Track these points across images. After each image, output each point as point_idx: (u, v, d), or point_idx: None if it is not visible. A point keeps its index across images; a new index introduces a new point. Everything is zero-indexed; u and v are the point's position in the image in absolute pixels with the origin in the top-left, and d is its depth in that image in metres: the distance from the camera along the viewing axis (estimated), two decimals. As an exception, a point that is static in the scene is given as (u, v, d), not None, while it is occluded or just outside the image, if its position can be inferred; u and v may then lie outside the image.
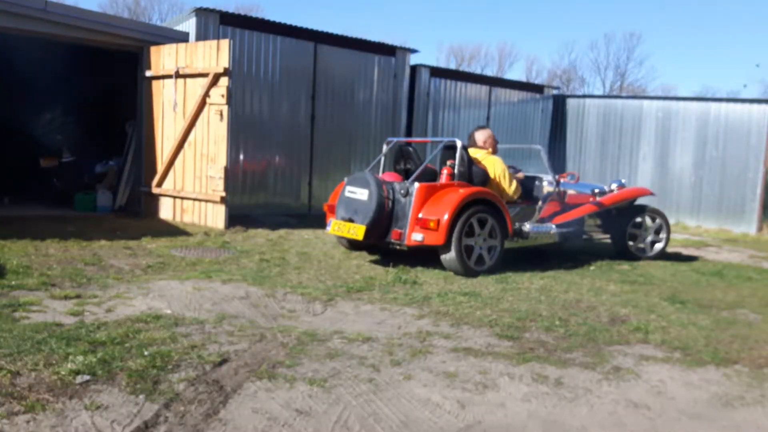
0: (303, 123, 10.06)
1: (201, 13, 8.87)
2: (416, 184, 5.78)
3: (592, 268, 6.58)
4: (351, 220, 5.88)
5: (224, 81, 7.73)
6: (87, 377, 2.84)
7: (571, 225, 6.86)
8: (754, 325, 4.57)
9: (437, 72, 12.12)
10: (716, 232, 11.12)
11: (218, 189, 7.83)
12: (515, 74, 48.06)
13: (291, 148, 9.99)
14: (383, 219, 5.79)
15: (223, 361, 3.18)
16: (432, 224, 5.56)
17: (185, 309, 4.17)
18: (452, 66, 41.87)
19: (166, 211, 8.51)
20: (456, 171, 6.09)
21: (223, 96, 7.75)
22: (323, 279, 5.41)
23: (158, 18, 37.12)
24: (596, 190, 7.43)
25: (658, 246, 7.50)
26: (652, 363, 3.58)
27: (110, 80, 10.39)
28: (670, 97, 13.50)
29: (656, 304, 5.04)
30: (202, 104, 7.95)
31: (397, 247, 5.93)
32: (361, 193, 5.90)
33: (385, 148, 7.00)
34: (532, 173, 7.22)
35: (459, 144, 6.12)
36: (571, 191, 7.24)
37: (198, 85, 7.96)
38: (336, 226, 6.01)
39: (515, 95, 13.32)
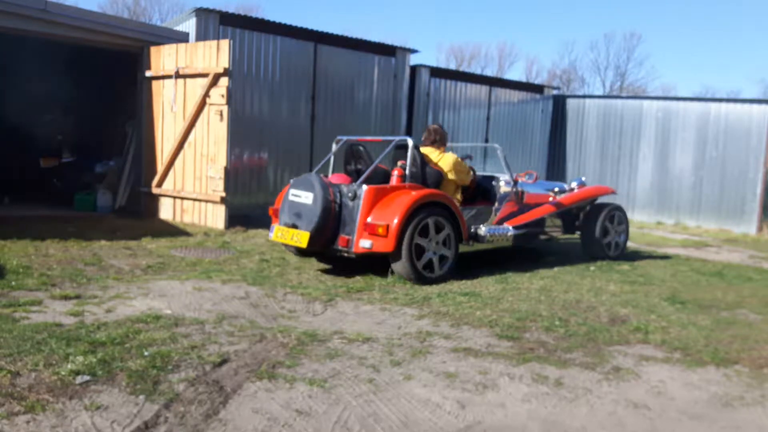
0: (303, 123, 10.06)
1: (201, 13, 8.87)
2: (364, 187, 5.38)
3: (592, 268, 6.58)
4: (295, 226, 5.41)
5: (224, 81, 7.74)
6: (87, 377, 2.84)
7: (529, 226, 6.62)
8: (754, 325, 4.57)
9: (437, 72, 12.12)
10: (716, 233, 11.13)
11: (218, 189, 7.83)
12: (515, 74, 48.09)
13: (291, 148, 9.99)
14: (329, 224, 5.35)
15: (223, 362, 3.18)
16: (380, 230, 5.16)
17: (185, 309, 4.17)
18: (452, 66, 41.87)
19: (166, 211, 8.52)
20: (407, 172, 5.69)
21: (223, 96, 7.75)
22: (323, 279, 5.41)
23: (158, 18, 37.14)
24: (556, 189, 7.24)
25: (620, 245, 7.37)
26: (652, 363, 3.58)
27: (110, 80, 10.40)
28: (670, 98, 13.50)
29: (656, 304, 5.04)
30: (202, 104, 7.95)
31: (345, 255, 5.45)
32: (305, 197, 5.43)
33: (334, 147, 6.51)
34: (488, 173, 6.96)
35: (410, 143, 5.73)
36: (529, 191, 6.92)
37: (198, 86, 7.96)
38: (279, 233, 5.53)
39: (515, 95, 13.32)
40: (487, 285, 5.42)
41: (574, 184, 7.43)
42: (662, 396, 3.11)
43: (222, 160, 7.83)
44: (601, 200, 7.69)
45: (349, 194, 5.41)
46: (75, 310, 3.92)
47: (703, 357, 3.73)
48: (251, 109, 9.46)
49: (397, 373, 3.18)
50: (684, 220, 12.12)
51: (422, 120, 11.79)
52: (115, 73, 9.92)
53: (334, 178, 6.05)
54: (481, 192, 6.55)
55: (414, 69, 11.53)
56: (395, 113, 11.18)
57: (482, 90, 12.79)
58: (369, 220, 5.28)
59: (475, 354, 3.54)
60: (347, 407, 2.75)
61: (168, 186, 8.46)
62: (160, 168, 8.49)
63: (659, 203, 12.60)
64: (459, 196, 6.13)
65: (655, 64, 65.73)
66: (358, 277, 5.50)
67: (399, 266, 5.33)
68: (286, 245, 5.93)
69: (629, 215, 12.71)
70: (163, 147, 8.50)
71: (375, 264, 5.61)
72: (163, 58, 8.38)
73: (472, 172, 6.30)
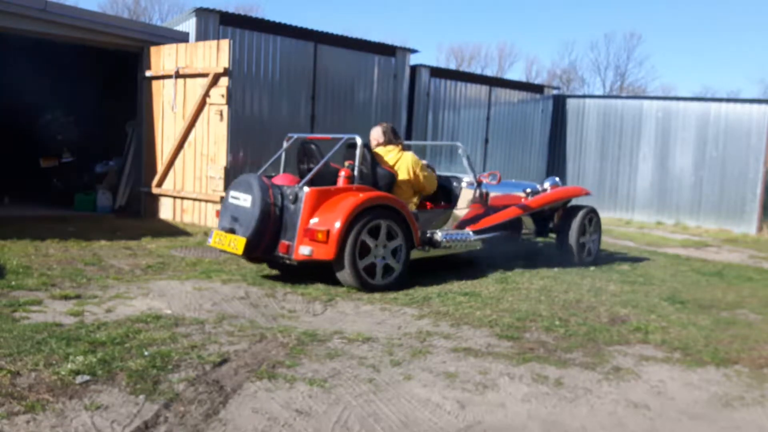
0: (303, 123, 10.05)
1: (201, 13, 8.87)
2: (305, 189, 4.95)
3: (592, 268, 6.58)
4: (232, 231, 5.01)
5: (224, 81, 7.74)
6: (87, 377, 2.84)
7: (492, 230, 6.19)
8: (754, 325, 4.57)
9: (437, 72, 12.12)
10: (716, 233, 11.13)
11: (218, 189, 7.83)
12: (515, 74, 48.05)
13: (291, 148, 9.96)
14: (268, 229, 4.93)
15: (223, 361, 3.18)
16: (320, 236, 4.75)
17: (185, 309, 4.17)
18: (452, 66, 41.84)
19: (166, 211, 8.52)
20: (355, 173, 5.29)
21: (223, 96, 7.75)
22: (323, 279, 5.40)
23: (158, 18, 37.11)
24: (528, 190, 6.88)
25: (593, 250, 6.92)
26: (652, 363, 3.58)
27: (110, 80, 10.40)
28: (670, 97, 13.51)
29: (656, 304, 5.04)
30: (202, 104, 7.95)
31: (287, 262, 5.05)
32: (244, 200, 5.02)
33: (285, 144, 6.05)
34: (448, 173, 6.52)
35: (359, 141, 5.34)
36: (497, 192, 6.53)
37: (198, 85, 7.96)
38: (217, 238, 5.12)
39: (515, 95, 13.32)
40: (487, 285, 5.42)
41: (547, 185, 7.07)
42: (662, 396, 3.11)
43: (222, 160, 7.83)
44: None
45: (291, 196, 5.00)
46: (75, 310, 3.92)
47: (703, 357, 3.73)
48: (251, 109, 9.46)
49: (397, 373, 3.18)
50: (684, 220, 12.11)
51: (422, 120, 11.80)
52: (115, 73, 9.93)
53: (279, 178, 5.53)
54: (440, 194, 6.17)
55: (414, 69, 11.53)
56: (395, 113, 11.18)
57: (482, 90, 12.79)
58: (309, 224, 4.86)
59: (475, 354, 3.54)
60: (347, 407, 2.74)
61: (168, 186, 8.47)
62: (160, 168, 8.49)
63: (659, 203, 12.60)
64: (416, 200, 5.75)
65: (655, 64, 65.67)
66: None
67: (343, 275, 4.94)
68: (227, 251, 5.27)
69: (629, 215, 12.87)
70: (163, 147, 8.50)
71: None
72: (163, 58, 8.38)
73: (433, 178, 5.86)
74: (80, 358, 3.03)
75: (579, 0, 57.86)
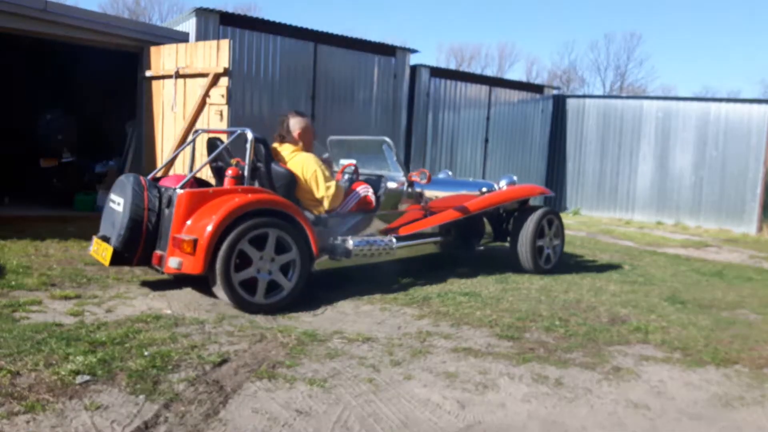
0: (303, 123, 10.05)
1: (201, 13, 8.87)
2: (178, 191, 4.29)
3: (592, 268, 6.58)
4: (106, 239, 4.46)
5: (224, 81, 7.73)
6: (87, 377, 2.84)
7: (424, 236, 5.59)
8: (754, 325, 4.57)
9: (437, 72, 12.13)
10: (716, 233, 11.13)
11: (218, 189, 7.81)
12: (515, 74, 48.08)
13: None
14: (141, 238, 4.31)
15: (223, 361, 3.18)
16: (187, 246, 4.05)
17: (185, 309, 4.17)
18: (452, 66, 41.87)
19: (166, 211, 8.50)
20: (245, 172, 4.62)
21: (223, 96, 7.75)
22: (323, 278, 5.40)
23: (158, 18, 37.17)
24: (484, 189, 6.37)
25: (553, 257, 6.25)
26: (652, 363, 3.58)
27: (110, 80, 10.39)
28: (670, 97, 13.50)
29: (656, 304, 5.04)
30: (202, 104, 7.94)
31: (163, 274, 4.50)
32: (118, 203, 4.46)
33: (190, 138, 5.46)
34: (377, 172, 5.75)
35: (250, 136, 4.66)
36: (447, 193, 6.05)
37: (198, 85, 7.96)
38: (95, 246, 4.60)
39: (515, 95, 13.32)
40: (487, 285, 5.42)
41: (503, 183, 6.49)
42: (662, 396, 3.11)
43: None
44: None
45: (165, 200, 4.37)
46: (75, 310, 3.92)
47: (703, 357, 3.73)
48: (251, 109, 9.46)
49: (397, 373, 3.18)
50: (684, 220, 12.11)
51: (422, 120, 11.80)
52: (115, 73, 9.92)
53: (169, 179, 4.86)
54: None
55: (414, 69, 11.53)
56: (395, 113, 11.18)
57: (482, 90, 12.79)
58: (179, 233, 4.19)
59: (475, 354, 3.54)
60: (347, 407, 2.75)
61: (168, 186, 8.45)
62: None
63: (659, 203, 12.60)
64: (326, 204, 4.89)
65: (655, 64, 65.80)
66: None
67: (218, 290, 4.23)
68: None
69: (629, 215, 12.87)
70: (163, 147, 8.49)
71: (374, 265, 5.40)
72: (163, 58, 8.38)
73: (339, 191, 4.95)
74: (80, 358, 3.02)
75: (579, 0, 57.90)
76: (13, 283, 4.53)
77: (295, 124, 5.03)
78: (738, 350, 3.90)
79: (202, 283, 4.51)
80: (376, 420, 2.64)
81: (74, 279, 4.81)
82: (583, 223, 11.80)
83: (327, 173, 4.89)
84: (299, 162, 4.87)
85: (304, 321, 4.08)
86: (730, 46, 56.40)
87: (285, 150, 4.98)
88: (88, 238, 6.58)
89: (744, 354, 3.83)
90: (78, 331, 3.49)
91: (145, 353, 3.19)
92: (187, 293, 4.59)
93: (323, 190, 4.84)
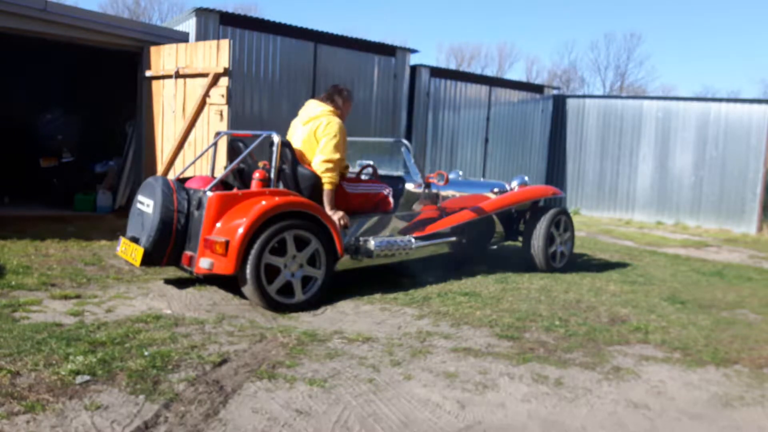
0: (303, 123, 10.06)
1: (201, 13, 8.87)
2: (209, 194, 4.41)
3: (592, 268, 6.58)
4: (136, 240, 4.57)
5: (224, 81, 7.73)
6: (87, 377, 2.84)
7: (441, 236, 5.70)
8: (754, 325, 4.57)
9: (437, 72, 12.12)
10: (716, 233, 11.13)
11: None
12: (515, 74, 48.09)
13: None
14: (171, 239, 4.44)
15: (223, 361, 3.18)
16: (218, 248, 4.18)
17: (185, 309, 4.17)
18: (452, 66, 41.88)
19: (166, 211, 8.50)
20: (272, 175, 4.73)
21: (223, 96, 7.75)
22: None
23: (158, 18, 37.14)
24: (495, 190, 6.45)
25: (566, 255, 6.41)
26: (652, 363, 3.58)
27: (110, 80, 10.40)
28: (670, 97, 13.50)
29: (656, 304, 5.04)
30: (202, 104, 7.95)
31: (192, 276, 4.66)
32: (147, 205, 4.59)
33: (213, 140, 5.59)
34: (395, 173, 5.89)
35: (276, 139, 4.78)
36: (461, 193, 6.13)
37: (198, 85, 7.96)
38: (123, 246, 4.70)
39: (515, 95, 13.32)
40: (487, 285, 5.42)
41: (514, 184, 6.59)
42: (662, 396, 3.11)
43: (222, 161, 7.81)
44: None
45: (195, 202, 4.50)
46: (75, 310, 3.92)
47: (703, 357, 3.73)
48: (251, 108, 9.46)
49: (397, 373, 3.18)
50: (684, 220, 12.11)
51: (422, 120, 11.79)
52: (115, 73, 9.92)
53: (195, 181, 4.98)
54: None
55: (414, 69, 11.53)
56: (395, 113, 11.18)
57: (482, 90, 12.79)
58: (210, 235, 4.32)
59: (475, 354, 3.54)
60: (347, 407, 2.75)
61: (168, 186, 8.45)
62: (160, 168, 8.47)
63: (659, 203, 12.60)
64: (319, 166, 4.93)
65: (655, 64, 65.70)
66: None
67: (247, 291, 4.34)
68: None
69: (629, 215, 12.88)
70: (163, 147, 8.49)
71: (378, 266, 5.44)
72: (163, 58, 8.38)
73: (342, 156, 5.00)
74: (80, 358, 3.03)
75: (579, 0, 57.92)
76: (13, 283, 4.53)
77: (348, 98, 5.35)
78: (738, 350, 3.90)
79: (217, 282, 4.51)
80: (376, 420, 2.64)
81: (74, 279, 4.81)
82: (583, 223, 11.80)
83: (343, 146, 4.97)
84: (327, 119, 5.01)
85: (304, 321, 4.08)
86: (730, 46, 56.39)
87: (323, 106, 5.17)
88: (88, 238, 6.62)
89: (744, 354, 3.83)
90: (78, 331, 3.49)
91: (145, 353, 3.19)
92: (187, 293, 4.59)
93: (329, 153, 4.87)
